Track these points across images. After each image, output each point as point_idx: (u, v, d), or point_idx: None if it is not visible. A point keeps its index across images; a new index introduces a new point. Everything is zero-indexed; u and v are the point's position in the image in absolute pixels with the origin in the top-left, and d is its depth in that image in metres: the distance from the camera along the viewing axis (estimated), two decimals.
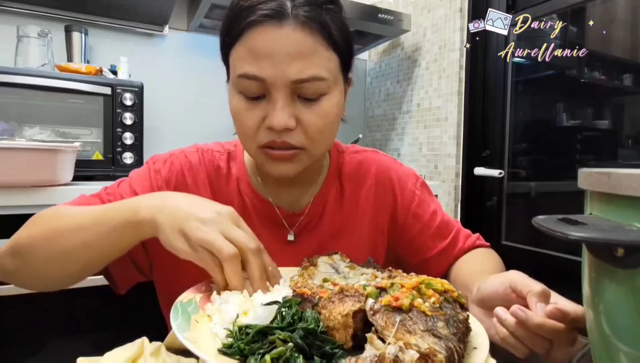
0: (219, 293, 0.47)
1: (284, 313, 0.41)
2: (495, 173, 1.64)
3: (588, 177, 0.33)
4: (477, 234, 0.78)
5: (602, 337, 0.32)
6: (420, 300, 0.37)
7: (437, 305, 0.37)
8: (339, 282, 0.46)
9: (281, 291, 0.46)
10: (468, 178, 1.74)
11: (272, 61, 0.53)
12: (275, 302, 0.43)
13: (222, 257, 0.45)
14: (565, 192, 1.48)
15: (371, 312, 0.37)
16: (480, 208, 1.73)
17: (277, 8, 0.53)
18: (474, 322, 0.40)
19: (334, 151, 0.75)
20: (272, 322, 0.41)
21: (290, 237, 0.68)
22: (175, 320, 0.40)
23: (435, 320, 0.35)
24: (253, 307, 0.43)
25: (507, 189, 1.68)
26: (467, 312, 0.39)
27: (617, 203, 0.30)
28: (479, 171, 1.69)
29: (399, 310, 0.36)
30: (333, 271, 0.52)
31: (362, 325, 0.38)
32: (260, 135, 0.57)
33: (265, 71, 0.54)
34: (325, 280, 0.48)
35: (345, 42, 0.59)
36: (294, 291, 0.45)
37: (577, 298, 0.41)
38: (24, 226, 0.59)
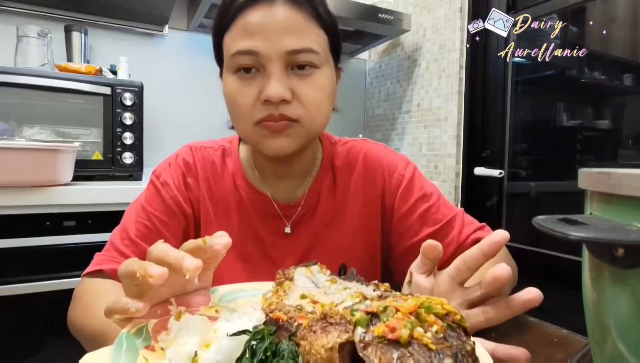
0: (176, 318, 0.38)
1: (254, 346, 0.33)
2: (495, 173, 1.64)
3: (588, 177, 0.33)
4: (483, 224, 0.72)
5: (602, 337, 0.32)
6: (420, 329, 0.30)
7: (441, 335, 0.30)
8: (319, 299, 0.40)
9: (251, 315, 0.38)
10: (468, 178, 1.74)
11: (265, 34, 0.55)
12: (244, 332, 0.35)
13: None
14: (565, 192, 1.48)
15: (361, 345, 0.30)
16: (480, 208, 1.73)
17: None
18: (479, 350, 0.33)
19: (327, 143, 0.75)
20: (240, 357, 0.33)
21: (287, 230, 0.69)
22: (117, 359, 0.32)
23: (441, 355, 0.28)
24: (217, 338, 0.35)
25: (507, 189, 1.68)
26: (473, 340, 0.32)
27: (617, 203, 0.30)
28: (479, 171, 1.69)
29: (395, 343, 0.29)
30: (312, 285, 0.45)
31: (351, 361, 0.31)
32: (256, 111, 0.57)
33: (260, 45, 0.55)
34: (303, 297, 0.41)
35: (332, 25, 0.62)
36: (267, 315, 0.37)
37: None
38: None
